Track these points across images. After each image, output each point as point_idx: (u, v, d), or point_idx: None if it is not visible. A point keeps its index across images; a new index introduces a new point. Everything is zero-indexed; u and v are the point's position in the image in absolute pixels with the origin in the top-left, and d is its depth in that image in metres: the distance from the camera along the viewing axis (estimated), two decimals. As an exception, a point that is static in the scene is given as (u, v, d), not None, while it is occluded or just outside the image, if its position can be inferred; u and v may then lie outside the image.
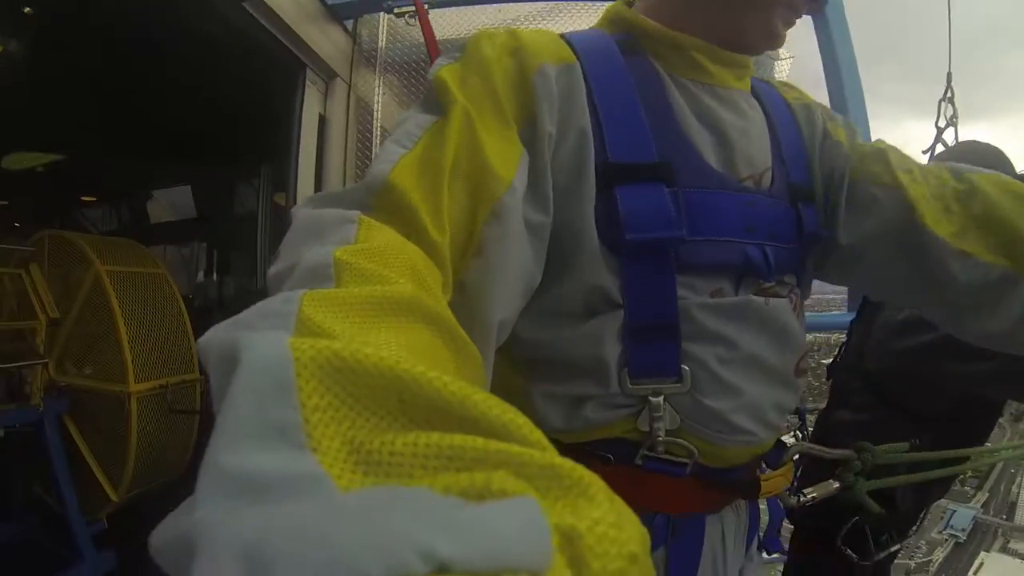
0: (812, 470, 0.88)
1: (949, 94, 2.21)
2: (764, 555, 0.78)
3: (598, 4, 1.99)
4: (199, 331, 2.22)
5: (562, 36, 0.61)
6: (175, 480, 2.74)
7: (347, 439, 0.20)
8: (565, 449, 0.63)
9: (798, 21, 0.67)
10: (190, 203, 4.80)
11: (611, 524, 0.17)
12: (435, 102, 0.52)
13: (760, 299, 0.61)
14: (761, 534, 0.76)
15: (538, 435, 0.21)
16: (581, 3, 2.03)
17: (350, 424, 0.20)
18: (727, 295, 0.60)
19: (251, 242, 3.56)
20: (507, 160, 0.51)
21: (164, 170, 4.73)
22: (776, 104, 0.71)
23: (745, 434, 0.61)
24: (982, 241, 0.66)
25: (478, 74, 0.54)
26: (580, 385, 0.59)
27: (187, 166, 4.53)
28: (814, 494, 0.76)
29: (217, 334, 0.25)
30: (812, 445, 0.75)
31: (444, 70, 0.54)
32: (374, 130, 1.88)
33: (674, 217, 0.56)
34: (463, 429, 0.20)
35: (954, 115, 2.16)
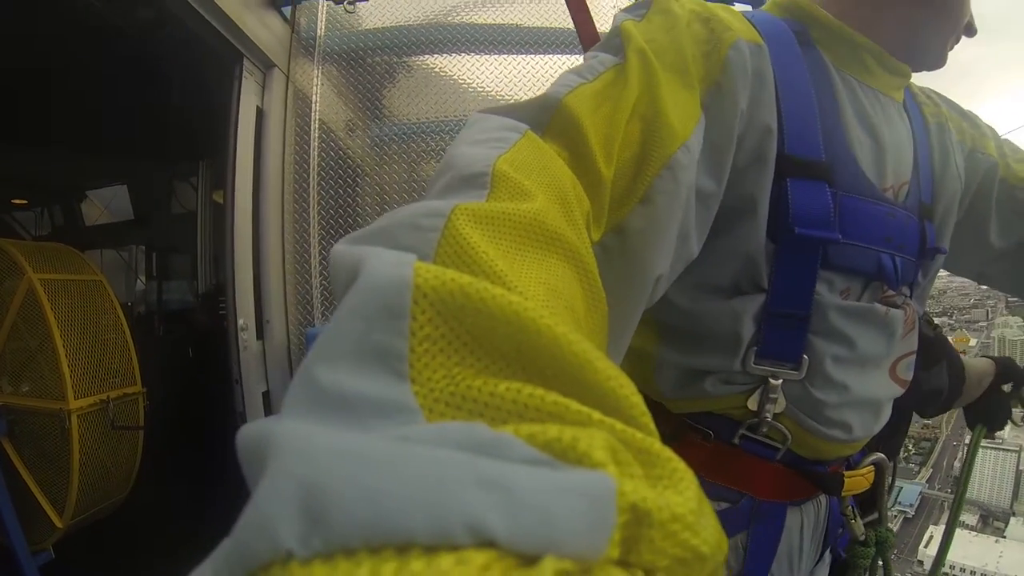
0: None
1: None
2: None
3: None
4: (140, 340, 2.11)
5: (744, 14, 0.62)
6: (121, 503, 2.60)
7: (451, 374, 0.19)
8: (670, 418, 0.67)
9: None
10: (127, 204, 4.58)
11: (687, 525, 0.16)
12: (618, 47, 0.51)
13: (882, 307, 0.64)
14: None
15: (647, 418, 0.20)
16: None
17: (459, 360, 0.19)
18: (853, 296, 0.63)
19: (191, 244, 3.41)
20: (686, 118, 0.50)
21: (98, 168, 4.50)
22: (917, 120, 0.72)
23: (840, 428, 0.65)
24: None
25: (666, 32, 0.53)
26: (708, 358, 0.63)
27: (122, 164, 4.32)
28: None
29: (348, 246, 0.24)
30: (884, 457, 0.78)
31: (629, 23, 0.53)
32: (312, 123, 1.79)
33: (832, 219, 0.58)
34: (574, 392, 0.19)
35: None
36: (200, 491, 2.48)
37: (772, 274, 0.60)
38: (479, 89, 1.85)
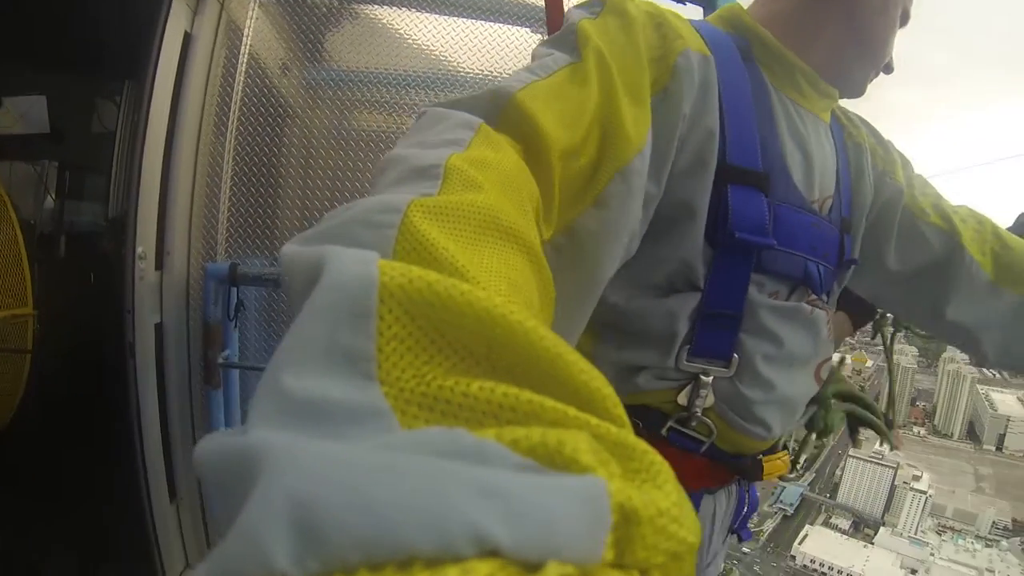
0: None
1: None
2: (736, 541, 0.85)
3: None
4: (41, 261, 1.98)
5: (691, 23, 0.63)
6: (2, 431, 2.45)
7: (420, 374, 0.19)
8: None
9: None
10: (44, 116, 4.24)
11: (673, 519, 0.16)
12: (573, 45, 0.52)
13: (807, 307, 0.68)
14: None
15: (620, 410, 0.20)
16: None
17: (427, 359, 0.19)
18: (781, 298, 0.67)
19: (108, 165, 3.21)
20: (640, 125, 0.51)
21: (16, 76, 4.14)
22: (839, 139, 0.77)
23: (761, 426, 0.68)
24: (1014, 279, 0.81)
25: (623, 32, 0.54)
26: (642, 354, 0.65)
27: (43, 74, 3.99)
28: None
29: (303, 246, 0.23)
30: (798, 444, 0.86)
31: (585, 22, 0.53)
32: (241, 55, 1.71)
33: (768, 226, 0.62)
34: (547, 388, 0.19)
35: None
36: (88, 420, 2.38)
37: (708, 276, 0.62)
38: (421, 47, 1.82)
